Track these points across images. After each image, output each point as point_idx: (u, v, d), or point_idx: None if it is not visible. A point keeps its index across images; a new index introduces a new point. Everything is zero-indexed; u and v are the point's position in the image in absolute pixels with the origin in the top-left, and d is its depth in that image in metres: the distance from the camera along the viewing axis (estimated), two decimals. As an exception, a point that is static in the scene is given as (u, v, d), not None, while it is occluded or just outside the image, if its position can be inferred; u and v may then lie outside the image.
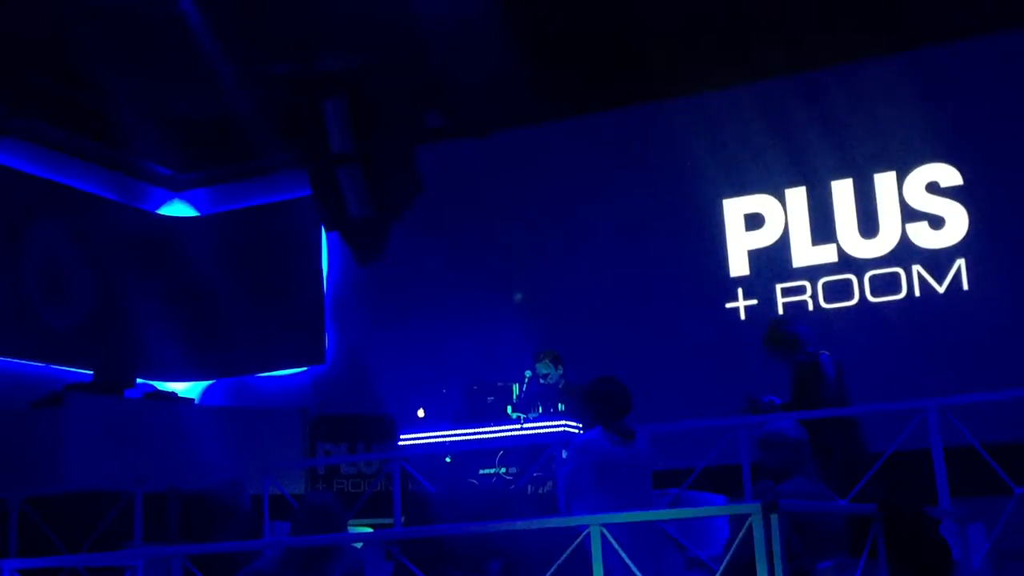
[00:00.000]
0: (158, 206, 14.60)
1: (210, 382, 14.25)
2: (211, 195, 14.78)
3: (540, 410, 9.63)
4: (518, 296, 12.44)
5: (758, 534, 4.26)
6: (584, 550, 5.07)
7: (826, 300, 11.53)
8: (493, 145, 12.94)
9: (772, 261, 11.82)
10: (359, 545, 5.53)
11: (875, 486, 6.83)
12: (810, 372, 8.23)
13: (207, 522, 7.77)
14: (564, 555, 4.91)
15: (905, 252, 11.33)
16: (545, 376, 9.86)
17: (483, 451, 9.53)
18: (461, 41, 10.93)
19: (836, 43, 11.42)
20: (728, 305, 11.91)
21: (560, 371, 9.88)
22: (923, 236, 11.30)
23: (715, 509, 8.45)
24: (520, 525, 5.62)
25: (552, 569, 4.82)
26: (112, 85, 11.96)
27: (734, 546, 5.46)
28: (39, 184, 12.96)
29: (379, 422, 10.35)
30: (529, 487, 9.12)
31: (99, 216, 13.61)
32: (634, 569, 5.76)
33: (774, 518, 4.25)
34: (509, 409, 9.83)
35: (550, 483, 8.78)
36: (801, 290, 11.64)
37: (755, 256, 11.91)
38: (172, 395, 10.79)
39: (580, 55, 12.03)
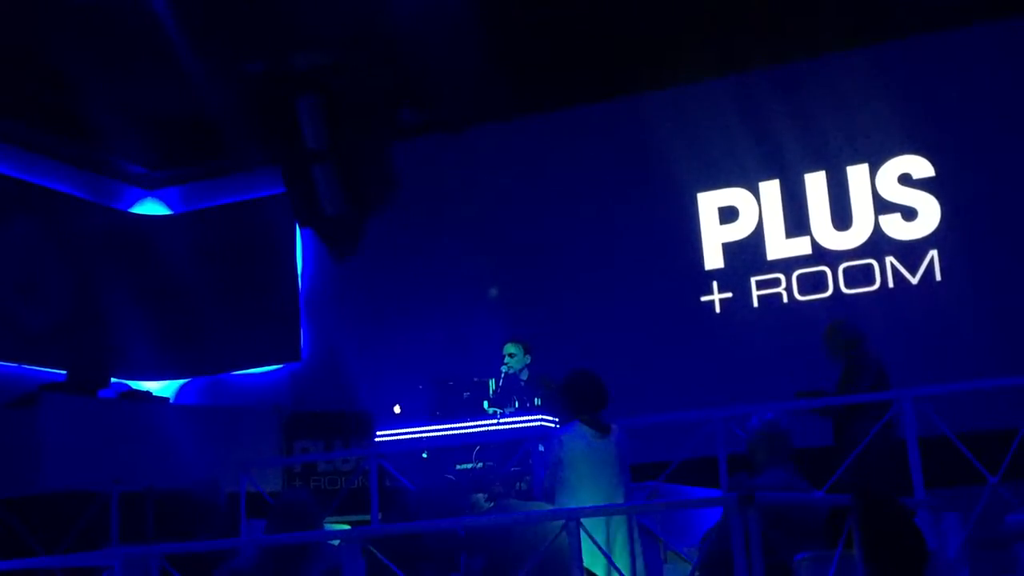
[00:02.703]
0: (131, 205, 14.52)
1: (185, 381, 14.19)
2: (184, 193, 14.72)
3: (516, 405, 9.62)
4: (493, 291, 12.43)
5: (735, 527, 4.27)
6: (561, 543, 5.07)
7: (800, 292, 11.57)
8: (468, 141, 12.92)
9: (746, 254, 11.86)
10: (336, 543, 5.51)
11: (855, 476, 6.89)
12: (857, 370, 8.48)
13: (184, 521, 7.74)
14: (543, 550, 4.91)
15: (878, 244, 11.39)
16: (511, 356, 9.81)
17: (460, 446, 9.52)
18: (435, 37, 10.91)
19: (809, 37, 11.45)
20: (703, 298, 11.94)
21: (527, 359, 9.85)
22: (896, 228, 11.36)
23: (692, 502, 8.47)
24: (498, 520, 5.62)
25: (530, 565, 4.82)
26: (84, 83, 11.88)
27: (710, 539, 5.48)
28: (11, 183, 12.88)
29: (355, 419, 10.32)
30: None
31: (72, 215, 13.53)
32: (612, 562, 5.78)
33: (750, 511, 4.26)
34: (485, 404, 9.82)
35: (528, 478, 8.77)
36: (775, 283, 11.68)
37: (729, 249, 11.94)
38: (147, 394, 10.72)
39: (554, 50, 12.02)
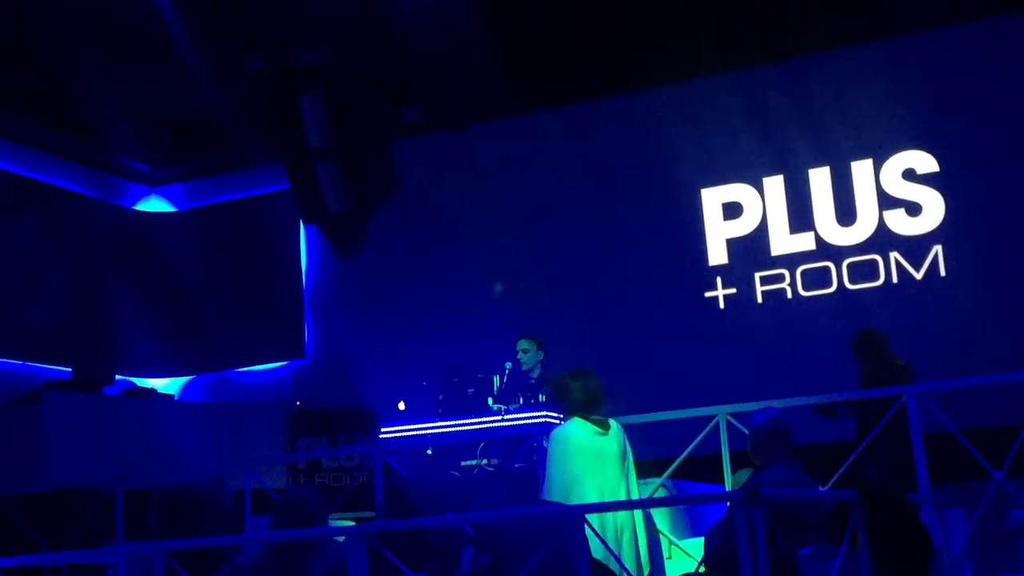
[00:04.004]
0: (135, 202, 14.54)
1: (190, 378, 14.21)
2: (188, 190, 14.73)
3: (521, 401, 9.62)
4: (498, 288, 12.43)
5: (740, 523, 4.27)
6: (566, 538, 5.08)
7: (804, 288, 11.56)
8: (470, 138, 12.93)
9: (750, 250, 11.85)
10: (341, 539, 5.52)
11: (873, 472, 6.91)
12: (874, 373, 8.78)
13: (188, 518, 7.75)
14: (549, 546, 4.91)
15: (882, 239, 11.37)
16: (525, 351, 9.82)
17: (464, 443, 9.53)
18: (437, 34, 10.90)
19: (813, 32, 11.43)
20: (707, 294, 11.94)
21: (540, 356, 9.86)
22: (900, 223, 11.35)
23: (697, 498, 8.48)
24: (504, 516, 5.62)
25: (535, 559, 4.82)
26: (88, 81, 11.89)
27: (716, 534, 5.48)
28: (15, 181, 12.90)
29: (360, 415, 10.32)
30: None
31: (76, 213, 13.55)
32: (617, 558, 5.78)
33: (755, 506, 4.25)
34: (490, 400, 9.82)
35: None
36: (779, 278, 11.67)
37: (733, 245, 11.93)
38: (151, 391, 10.72)
39: (556, 46, 12.01)
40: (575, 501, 6.48)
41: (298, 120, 11.46)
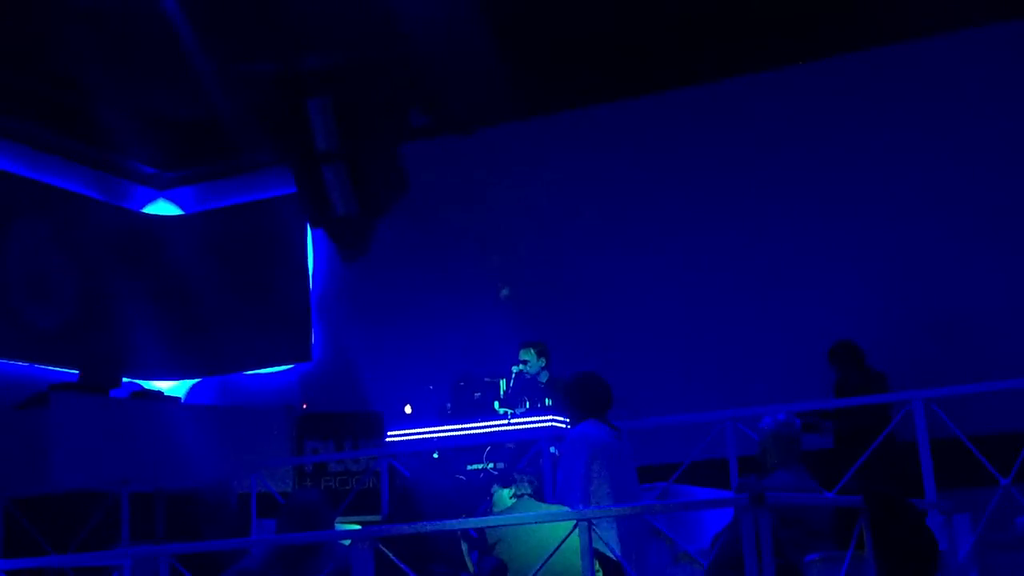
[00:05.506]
0: (143, 205, 14.55)
1: (196, 381, 14.22)
2: (196, 193, 14.75)
3: (527, 405, 9.62)
4: (504, 292, 12.42)
5: (745, 528, 4.27)
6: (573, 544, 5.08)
7: (812, 293, 11.54)
8: (477, 142, 12.93)
9: (757, 254, 11.84)
10: (347, 543, 5.52)
11: (863, 478, 6.89)
12: (846, 381, 9.15)
13: (194, 521, 7.77)
14: (554, 550, 4.92)
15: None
16: (525, 363, 9.83)
17: (471, 447, 9.54)
18: (444, 38, 10.92)
19: (819, 38, 11.44)
20: (713, 298, 11.91)
21: (542, 362, 9.85)
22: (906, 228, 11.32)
23: (704, 503, 8.46)
24: (511, 520, 5.63)
25: (542, 566, 4.83)
26: (96, 84, 11.92)
27: (722, 539, 5.48)
28: (23, 183, 12.92)
29: (366, 419, 10.34)
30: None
31: (83, 215, 13.57)
32: (623, 561, 5.77)
33: (761, 511, 4.26)
34: (496, 405, 9.83)
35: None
36: (787, 283, 11.65)
37: (740, 250, 11.92)
38: (158, 394, 10.76)
39: (564, 51, 12.03)
40: (595, 502, 6.44)
41: (305, 124, 11.48)
